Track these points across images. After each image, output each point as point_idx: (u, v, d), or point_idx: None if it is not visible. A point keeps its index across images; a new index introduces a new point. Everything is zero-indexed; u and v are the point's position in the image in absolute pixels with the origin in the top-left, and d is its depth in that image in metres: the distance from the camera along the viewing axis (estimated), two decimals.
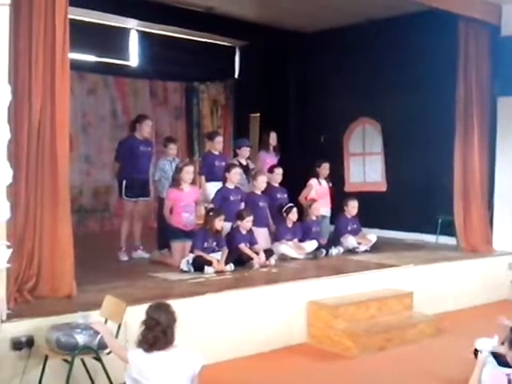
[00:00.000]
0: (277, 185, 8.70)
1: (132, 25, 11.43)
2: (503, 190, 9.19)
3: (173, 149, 8.47)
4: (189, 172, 7.64)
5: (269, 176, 8.58)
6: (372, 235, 9.07)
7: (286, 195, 8.70)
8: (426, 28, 9.81)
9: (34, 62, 5.40)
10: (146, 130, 8.15)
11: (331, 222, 9.44)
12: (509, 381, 3.76)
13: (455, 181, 9.21)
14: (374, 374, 5.73)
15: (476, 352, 5.58)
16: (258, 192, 8.23)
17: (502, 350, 4.25)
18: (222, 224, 7.25)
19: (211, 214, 7.24)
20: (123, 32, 11.56)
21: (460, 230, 9.20)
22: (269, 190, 8.44)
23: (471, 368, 5.57)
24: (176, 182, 7.64)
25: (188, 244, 7.29)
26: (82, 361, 4.74)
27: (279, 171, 8.69)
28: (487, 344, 4.50)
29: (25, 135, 5.39)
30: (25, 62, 5.38)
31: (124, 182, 8.01)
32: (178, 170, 7.72)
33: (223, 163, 8.38)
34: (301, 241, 8.36)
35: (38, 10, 5.41)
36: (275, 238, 8.23)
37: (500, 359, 4.13)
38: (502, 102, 9.13)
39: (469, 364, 5.63)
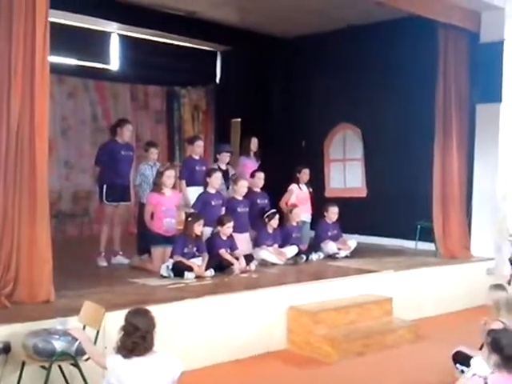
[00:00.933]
0: (258, 190, 8.68)
1: (113, 28, 11.37)
2: (481, 197, 9.27)
3: (154, 153, 8.44)
4: (170, 176, 7.60)
5: (250, 181, 8.57)
6: (352, 241, 9.09)
7: (266, 200, 8.69)
8: (406, 34, 9.89)
9: (13, 65, 5.37)
10: (126, 134, 8.10)
11: (311, 228, 9.45)
12: None
13: (434, 187, 9.27)
14: (353, 380, 5.74)
15: (455, 358, 5.64)
16: (239, 197, 8.20)
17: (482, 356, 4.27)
18: (201, 229, 7.22)
19: (190, 219, 7.21)
20: (104, 35, 11.49)
21: (439, 235, 9.26)
22: (249, 194, 8.42)
23: (449, 374, 5.64)
24: (157, 187, 7.60)
25: (168, 250, 7.24)
26: (60, 367, 4.69)
27: (261, 176, 8.67)
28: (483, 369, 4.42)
29: (3, 139, 5.36)
30: (4, 65, 5.35)
31: (105, 187, 7.95)
32: (159, 174, 7.68)
33: (204, 168, 8.36)
34: (281, 246, 8.35)
35: (18, 11, 5.38)
36: (255, 243, 8.22)
37: None
38: (481, 109, 9.22)
39: (447, 370, 5.69)
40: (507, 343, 3.85)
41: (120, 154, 8.01)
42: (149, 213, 7.54)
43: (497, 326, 4.98)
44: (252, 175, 8.73)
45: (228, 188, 8.59)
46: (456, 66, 9.22)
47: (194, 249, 7.17)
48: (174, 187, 7.96)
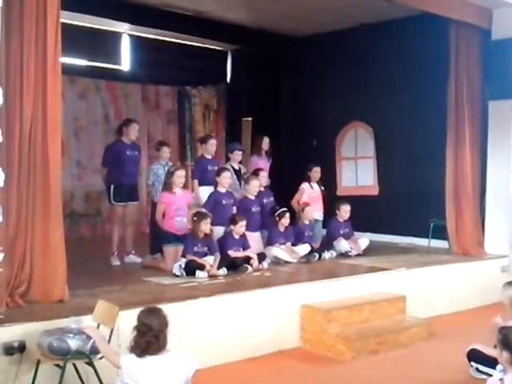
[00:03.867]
0: (262, 188, 8.64)
1: (124, 29, 11.39)
2: (494, 194, 9.21)
3: (166, 152, 8.48)
4: (180, 176, 7.62)
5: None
6: (364, 239, 9.08)
7: (272, 198, 8.69)
8: (418, 32, 9.87)
9: (25, 66, 5.38)
10: (132, 133, 8.11)
11: (323, 226, 9.43)
12: None
13: (447, 184, 9.24)
14: (366, 378, 5.72)
15: (469, 356, 5.62)
16: (251, 197, 8.22)
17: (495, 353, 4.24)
18: (208, 227, 7.18)
19: (195, 218, 7.20)
20: (115, 36, 11.50)
21: (452, 233, 9.22)
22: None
23: (463, 372, 5.63)
24: (168, 186, 7.62)
25: (180, 248, 7.26)
26: (74, 366, 4.70)
27: (265, 174, 8.68)
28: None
29: (16, 139, 5.37)
30: (16, 66, 5.37)
31: (112, 187, 8.00)
32: (170, 174, 7.70)
33: (216, 167, 8.37)
34: (294, 245, 8.35)
35: (30, 13, 5.39)
36: (268, 242, 8.22)
37: None
38: (493, 106, 9.16)
39: (461, 368, 5.68)
40: None
41: (125, 155, 8.04)
42: (160, 212, 7.57)
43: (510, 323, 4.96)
44: (255, 173, 8.70)
45: (241, 187, 8.58)
46: (468, 63, 9.18)
47: (205, 248, 7.17)
48: (185, 187, 7.98)
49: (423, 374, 5.80)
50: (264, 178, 8.66)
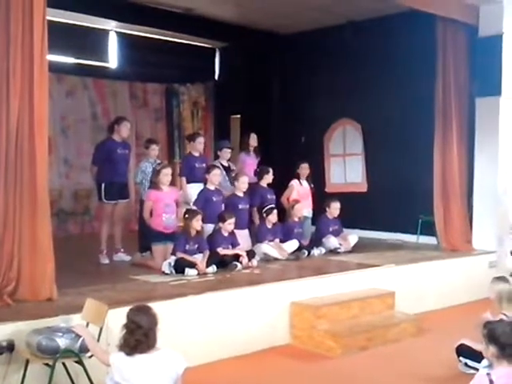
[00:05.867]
0: (265, 185, 8.73)
1: (111, 26, 11.35)
2: (482, 190, 9.25)
3: (155, 149, 8.44)
4: (167, 174, 7.59)
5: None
6: (353, 236, 9.09)
7: (274, 196, 8.76)
8: (405, 29, 9.89)
9: (11, 64, 5.35)
10: (124, 131, 8.09)
11: (312, 223, 9.44)
12: (490, 381, 3.71)
13: (435, 181, 9.28)
14: (356, 375, 5.73)
15: (458, 351, 5.65)
16: (240, 194, 8.21)
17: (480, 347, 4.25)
18: (200, 224, 7.17)
19: (187, 215, 7.18)
20: (102, 33, 11.46)
21: (440, 229, 9.27)
22: (259, 190, 8.56)
23: (452, 367, 5.67)
24: (155, 185, 7.60)
25: (169, 246, 7.25)
26: (64, 365, 4.68)
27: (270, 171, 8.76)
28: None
29: (3, 138, 5.35)
30: (3, 64, 5.34)
31: (103, 185, 7.96)
32: (156, 172, 7.67)
33: (203, 165, 8.38)
34: (283, 242, 8.35)
35: (16, 10, 5.36)
36: (257, 239, 8.22)
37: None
38: (480, 103, 9.20)
39: (450, 363, 5.71)
40: (502, 331, 3.83)
41: (116, 153, 8.01)
42: (148, 209, 7.54)
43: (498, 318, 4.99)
44: (255, 172, 8.83)
45: (232, 184, 8.59)
46: (455, 59, 9.22)
47: (196, 246, 7.16)
48: (173, 184, 7.96)
49: (413, 369, 5.83)
50: (270, 176, 8.74)
